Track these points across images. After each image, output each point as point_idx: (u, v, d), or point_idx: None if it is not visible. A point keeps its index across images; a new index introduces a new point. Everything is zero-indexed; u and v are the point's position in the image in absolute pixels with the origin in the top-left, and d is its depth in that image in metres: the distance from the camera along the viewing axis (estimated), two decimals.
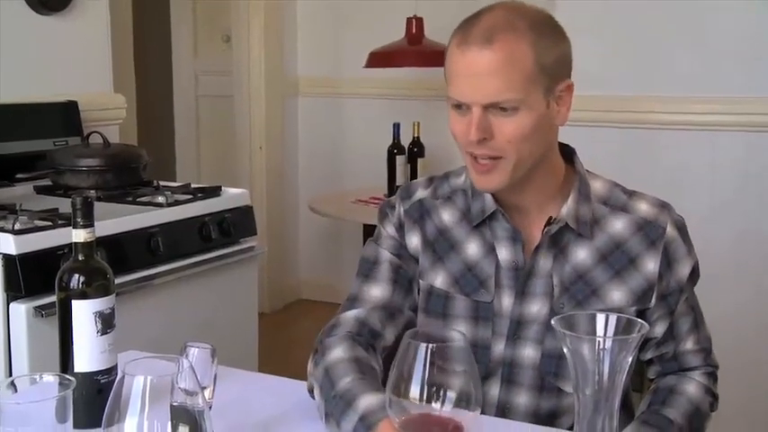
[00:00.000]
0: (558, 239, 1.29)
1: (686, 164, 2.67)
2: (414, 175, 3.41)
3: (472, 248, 1.33)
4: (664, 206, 1.32)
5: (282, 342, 3.87)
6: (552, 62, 1.23)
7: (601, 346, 0.81)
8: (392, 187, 3.37)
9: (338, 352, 1.25)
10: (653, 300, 1.29)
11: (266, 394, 1.32)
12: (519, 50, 1.19)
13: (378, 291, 1.35)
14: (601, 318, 0.87)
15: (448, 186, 1.39)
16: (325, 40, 4.37)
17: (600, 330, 0.86)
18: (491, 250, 1.32)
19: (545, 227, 1.29)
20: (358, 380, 1.18)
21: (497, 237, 1.32)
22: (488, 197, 1.31)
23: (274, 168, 4.36)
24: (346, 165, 4.35)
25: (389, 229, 1.39)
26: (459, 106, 1.24)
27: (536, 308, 1.30)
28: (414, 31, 3.54)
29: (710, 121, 2.62)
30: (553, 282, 1.29)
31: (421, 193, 1.39)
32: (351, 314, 1.33)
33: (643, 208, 1.31)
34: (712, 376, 1.35)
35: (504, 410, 1.33)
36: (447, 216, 1.36)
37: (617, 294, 1.28)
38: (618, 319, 0.86)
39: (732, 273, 2.59)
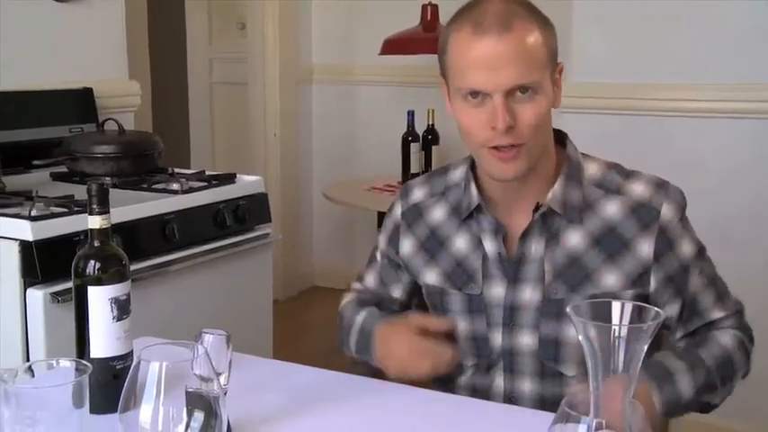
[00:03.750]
0: (549, 225, 1.30)
1: (697, 152, 2.65)
2: (428, 162, 3.40)
3: (460, 243, 1.36)
4: (660, 185, 1.31)
5: (296, 329, 3.89)
6: (554, 46, 1.26)
7: (617, 335, 0.81)
8: (406, 175, 3.37)
9: (354, 309, 1.50)
10: (652, 283, 1.28)
11: (280, 380, 1.32)
12: (533, 36, 1.22)
13: (370, 279, 1.53)
14: (616, 306, 0.86)
15: (443, 182, 1.42)
16: (340, 28, 4.36)
17: (615, 319, 0.85)
18: (479, 243, 1.34)
19: (533, 213, 1.29)
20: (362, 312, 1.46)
21: (483, 229, 1.34)
22: (474, 191, 1.33)
23: (288, 156, 4.37)
24: (360, 152, 4.35)
25: (389, 226, 1.48)
26: (474, 96, 1.22)
27: (528, 294, 1.31)
28: (428, 18, 3.53)
29: (722, 108, 2.60)
30: (545, 267, 1.29)
31: (417, 194, 1.44)
32: (353, 284, 1.57)
33: (638, 190, 1.30)
34: (747, 336, 1.34)
35: (510, 399, 1.35)
36: (438, 213, 1.40)
37: (611, 278, 1.27)
38: (633, 308, 0.86)
39: (744, 262, 2.57)
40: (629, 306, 0.86)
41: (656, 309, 0.85)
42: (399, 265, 1.47)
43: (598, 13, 2.76)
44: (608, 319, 0.85)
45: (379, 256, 1.51)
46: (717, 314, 1.33)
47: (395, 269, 1.48)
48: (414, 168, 3.38)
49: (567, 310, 0.84)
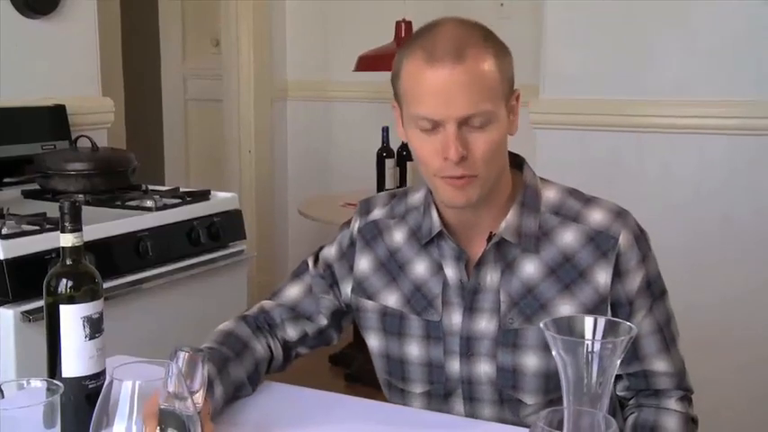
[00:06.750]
0: (504, 254, 1.28)
1: (670, 168, 2.68)
2: (403, 178, 3.41)
3: (420, 268, 1.33)
4: (620, 214, 1.28)
5: None
6: (509, 74, 1.24)
7: (589, 349, 0.82)
8: (381, 191, 3.37)
9: (225, 324, 1.39)
10: (608, 313, 1.25)
11: (255, 398, 1.32)
12: (487, 65, 1.19)
13: (293, 292, 1.43)
14: (589, 321, 0.87)
15: (404, 205, 1.38)
16: (315, 44, 4.37)
17: (588, 334, 0.86)
18: (439, 269, 1.32)
19: (487, 243, 1.27)
20: (208, 348, 1.29)
21: (444, 255, 1.31)
22: (435, 216, 1.30)
23: (263, 172, 4.36)
24: (335, 168, 4.35)
25: (344, 241, 1.42)
26: (428, 124, 1.20)
27: (483, 323, 1.29)
28: (403, 34, 3.54)
29: (698, 125, 2.63)
30: (501, 297, 1.27)
31: (377, 213, 1.40)
32: (262, 302, 1.45)
33: (597, 218, 1.27)
34: (687, 400, 1.32)
35: None
36: (399, 236, 1.36)
37: (566, 309, 1.25)
38: (605, 323, 0.87)
39: (717, 272, 2.60)
40: (601, 321, 0.87)
41: (628, 324, 0.86)
42: (335, 283, 1.41)
43: (570, 29, 2.79)
44: (581, 334, 0.86)
45: (319, 266, 1.43)
46: (659, 366, 1.30)
47: (328, 285, 1.42)
48: (389, 184, 3.39)
49: (540, 325, 0.85)
